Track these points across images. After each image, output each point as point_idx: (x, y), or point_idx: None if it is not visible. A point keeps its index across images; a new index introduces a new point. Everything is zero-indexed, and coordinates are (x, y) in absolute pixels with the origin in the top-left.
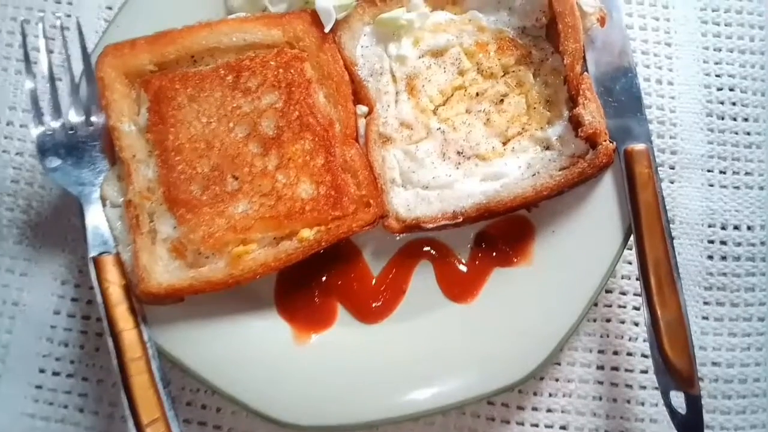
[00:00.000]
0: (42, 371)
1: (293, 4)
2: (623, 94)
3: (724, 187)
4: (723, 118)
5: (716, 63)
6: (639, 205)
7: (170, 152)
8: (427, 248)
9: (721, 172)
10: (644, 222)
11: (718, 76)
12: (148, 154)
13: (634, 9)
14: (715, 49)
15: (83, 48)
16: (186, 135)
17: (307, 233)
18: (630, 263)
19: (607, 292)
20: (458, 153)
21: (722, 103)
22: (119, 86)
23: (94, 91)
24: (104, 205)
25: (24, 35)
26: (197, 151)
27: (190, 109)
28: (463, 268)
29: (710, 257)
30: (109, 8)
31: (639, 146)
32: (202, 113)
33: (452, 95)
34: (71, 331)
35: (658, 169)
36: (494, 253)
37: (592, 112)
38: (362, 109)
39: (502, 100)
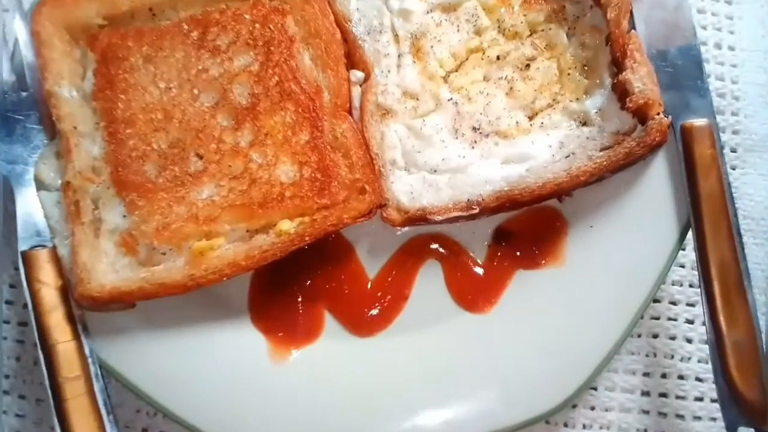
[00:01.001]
0: None
1: None
2: (680, 58)
3: None
4: None
5: None
6: (700, 195)
7: (120, 124)
8: (434, 245)
9: None
10: (706, 216)
11: None
12: (93, 127)
13: None
14: None
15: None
16: (140, 103)
17: (286, 225)
18: (682, 266)
19: (655, 301)
20: (474, 129)
21: None
22: (59, 43)
23: (29, 48)
24: (39, 189)
25: None
26: (153, 123)
27: (146, 71)
28: (478, 270)
29: None
30: None
31: (700, 122)
32: (160, 77)
33: (467, 59)
34: (6, 339)
35: None
36: (517, 252)
37: (642, 78)
38: (357, 74)
39: (528, 65)
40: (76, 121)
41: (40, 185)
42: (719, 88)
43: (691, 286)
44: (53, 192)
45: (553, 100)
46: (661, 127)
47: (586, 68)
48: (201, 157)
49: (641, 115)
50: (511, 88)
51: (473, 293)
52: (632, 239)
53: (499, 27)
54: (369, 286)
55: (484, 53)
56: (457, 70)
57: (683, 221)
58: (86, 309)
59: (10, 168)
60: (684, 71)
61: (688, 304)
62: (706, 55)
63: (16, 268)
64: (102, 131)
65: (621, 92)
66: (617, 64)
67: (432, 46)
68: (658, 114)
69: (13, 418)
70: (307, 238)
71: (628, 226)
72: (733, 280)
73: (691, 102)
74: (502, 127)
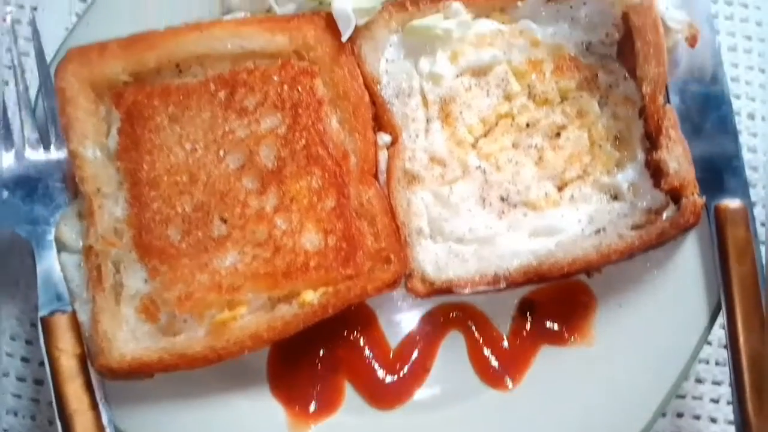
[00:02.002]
0: None
1: (303, 4)
2: (715, 134)
3: None
4: None
5: None
6: (732, 280)
7: (144, 186)
8: (458, 316)
9: None
10: (739, 303)
11: None
12: (117, 186)
13: (722, 26)
14: None
15: (39, 52)
16: (165, 164)
17: (310, 296)
18: (709, 343)
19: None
20: (502, 199)
21: None
22: (84, 101)
23: (53, 105)
24: (60, 250)
25: None
26: (178, 185)
27: (171, 131)
28: (503, 343)
29: None
30: (84, 0)
31: (734, 203)
32: (185, 137)
33: (496, 125)
34: (20, 398)
35: None
36: (543, 327)
37: (678, 158)
38: (384, 138)
39: (558, 134)
40: (100, 183)
41: (61, 247)
42: (751, 161)
43: (717, 363)
44: (74, 254)
45: (584, 171)
46: (696, 209)
47: (617, 140)
48: (225, 222)
49: (675, 194)
50: (541, 157)
51: (497, 368)
52: (662, 321)
53: (529, 93)
54: (390, 356)
55: (513, 119)
56: (485, 136)
57: (713, 304)
58: (106, 378)
59: (31, 229)
60: (719, 148)
61: (713, 383)
62: (739, 126)
63: (33, 325)
64: (125, 192)
65: (655, 170)
66: (651, 140)
67: (461, 112)
68: (693, 194)
69: None
70: (330, 310)
71: (658, 307)
72: (765, 372)
73: (726, 181)
74: (531, 197)
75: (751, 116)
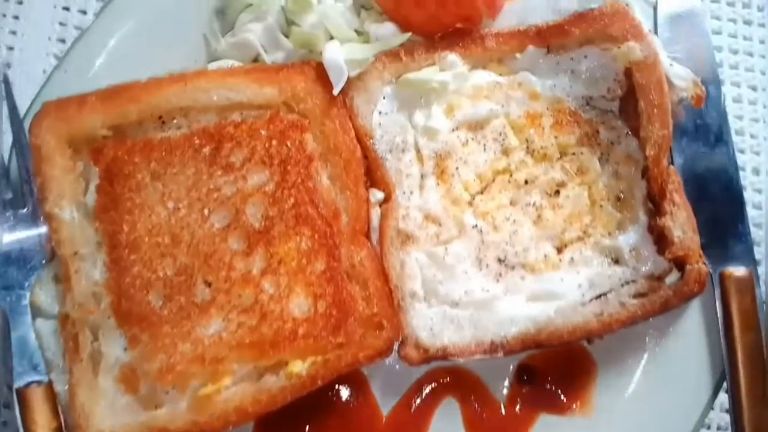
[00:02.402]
0: None
1: (293, 53)
2: (720, 198)
3: None
4: None
5: None
6: (737, 350)
7: (123, 248)
8: (452, 381)
9: None
10: (744, 375)
11: None
12: (95, 248)
13: (726, 75)
14: None
15: (12, 108)
16: (146, 225)
17: (298, 367)
18: (712, 408)
19: None
20: (499, 260)
21: None
22: (60, 158)
23: (26, 163)
24: (35, 316)
25: None
26: (159, 247)
27: (153, 189)
28: (500, 411)
29: None
30: (62, 41)
31: (740, 270)
32: (168, 195)
33: (493, 181)
34: None
35: None
36: (542, 394)
37: (682, 225)
38: (377, 195)
39: (558, 192)
40: (77, 245)
41: (37, 312)
42: (756, 218)
43: (719, 428)
44: (50, 320)
45: (584, 232)
46: (701, 278)
47: (619, 201)
48: (209, 285)
49: (679, 261)
50: (540, 216)
51: None
52: (664, 391)
53: (527, 148)
54: (383, 423)
55: (511, 175)
56: (482, 193)
57: (717, 374)
58: None
59: (5, 294)
60: (724, 212)
61: None
62: (743, 182)
63: (10, 388)
64: (104, 254)
65: (658, 235)
66: (654, 202)
67: (457, 167)
68: (698, 263)
69: None
70: (319, 381)
71: (660, 376)
72: None
73: (731, 247)
74: (530, 259)
75: (756, 171)
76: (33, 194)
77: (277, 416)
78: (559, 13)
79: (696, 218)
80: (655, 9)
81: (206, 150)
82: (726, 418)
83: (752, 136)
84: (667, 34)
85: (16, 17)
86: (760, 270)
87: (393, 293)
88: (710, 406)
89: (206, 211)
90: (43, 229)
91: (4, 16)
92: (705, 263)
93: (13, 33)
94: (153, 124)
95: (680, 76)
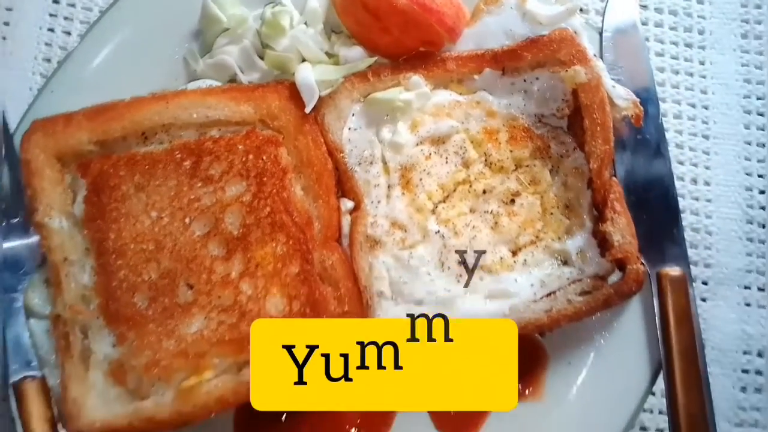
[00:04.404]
0: None
1: (268, 74)
2: (658, 206)
3: (762, 307)
4: (765, 226)
5: (759, 161)
6: (672, 343)
7: (110, 254)
8: None
9: (759, 289)
10: (678, 366)
11: (761, 176)
12: (84, 254)
13: (668, 93)
14: (758, 145)
15: (3, 125)
16: (131, 233)
17: None
18: (653, 394)
19: None
20: (459, 263)
21: (764, 208)
22: (49, 171)
23: (17, 176)
24: (29, 317)
25: None
26: (144, 252)
27: (137, 200)
28: None
29: (743, 389)
30: (48, 60)
31: (674, 271)
32: (151, 206)
33: (455, 191)
34: None
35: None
36: None
37: (622, 230)
38: (347, 204)
39: (513, 200)
40: (67, 252)
41: (30, 313)
42: (693, 223)
43: (660, 413)
44: (42, 320)
45: (536, 237)
46: (638, 278)
47: (567, 208)
48: (191, 287)
49: (619, 263)
50: (496, 222)
51: (453, 422)
52: (608, 378)
53: (486, 160)
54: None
55: (471, 186)
56: (444, 202)
57: (655, 364)
58: None
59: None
60: (661, 219)
61: (657, 430)
62: (682, 190)
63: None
64: (92, 260)
65: (601, 240)
66: (598, 210)
67: (421, 179)
68: (636, 264)
69: None
70: None
71: (604, 365)
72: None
73: (667, 250)
74: (487, 262)
75: (694, 181)
76: (24, 205)
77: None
78: (513, 38)
79: (636, 224)
80: (600, 35)
81: (187, 163)
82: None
83: (691, 149)
84: (611, 58)
85: (3, 38)
86: (699, 270)
87: (362, 293)
88: (649, 391)
89: (187, 220)
90: (34, 238)
91: None
92: (643, 264)
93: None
94: (136, 139)
95: (621, 96)
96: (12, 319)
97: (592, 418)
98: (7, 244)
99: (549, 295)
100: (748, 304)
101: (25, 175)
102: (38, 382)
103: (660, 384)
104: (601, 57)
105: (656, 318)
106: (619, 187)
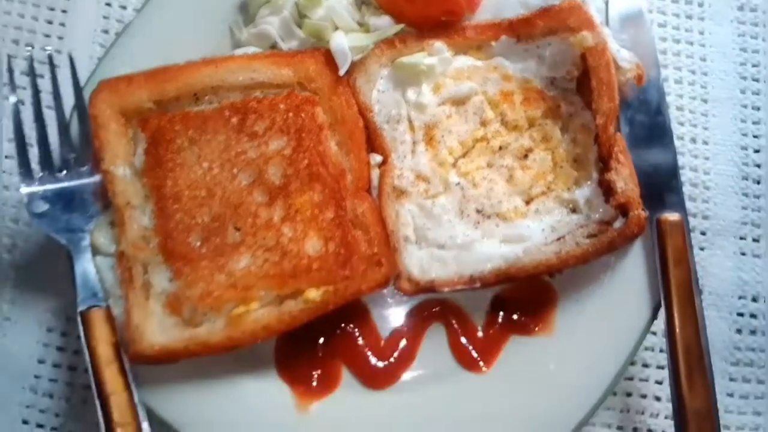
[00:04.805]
0: (25, 422)
1: (305, 41)
2: (658, 159)
3: (757, 256)
4: (759, 183)
5: (755, 123)
6: (670, 282)
7: (168, 199)
8: (439, 310)
9: (754, 240)
10: (675, 302)
11: (756, 136)
12: (143, 199)
13: (670, 61)
14: (753, 108)
15: (76, 84)
16: (185, 181)
17: (313, 294)
18: (654, 333)
19: (629, 364)
20: (478, 211)
21: (759, 166)
22: (114, 125)
23: (86, 129)
24: (95, 254)
25: (10, 66)
26: (197, 198)
27: (191, 152)
28: (478, 334)
29: (739, 331)
30: (106, 32)
31: (673, 216)
32: (203, 157)
33: (473, 147)
34: (56, 382)
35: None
36: (512, 319)
37: (624, 179)
38: (376, 158)
39: (526, 155)
40: (129, 197)
41: (96, 251)
42: (692, 179)
43: (661, 351)
44: (108, 258)
45: (547, 188)
46: (640, 221)
47: (576, 162)
48: (239, 230)
49: (623, 208)
50: (511, 175)
51: (472, 355)
52: (612, 314)
53: (502, 120)
54: (381, 344)
55: (488, 143)
56: (464, 157)
57: (655, 301)
58: (136, 364)
59: (69, 236)
60: (661, 170)
61: (658, 367)
62: (682, 149)
63: (68, 319)
64: (151, 204)
65: (606, 188)
66: (604, 162)
67: (443, 136)
68: (638, 210)
69: None
70: (330, 306)
71: (609, 302)
72: (696, 359)
73: (666, 198)
74: (503, 210)
75: (693, 140)
76: (91, 155)
77: (295, 341)
78: (528, 8)
79: (638, 175)
80: (606, 5)
81: (234, 121)
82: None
83: (691, 112)
84: (617, 26)
85: (65, 11)
86: (697, 221)
87: (390, 237)
88: (650, 325)
89: (235, 170)
90: (100, 183)
91: (53, 9)
92: (644, 210)
93: (62, 25)
94: (189, 100)
95: (625, 59)
96: (80, 255)
97: (598, 350)
98: (76, 190)
99: (559, 239)
100: (743, 254)
101: (93, 129)
102: (103, 311)
103: (661, 325)
104: (607, 24)
105: (656, 259)
106: (623, 141)
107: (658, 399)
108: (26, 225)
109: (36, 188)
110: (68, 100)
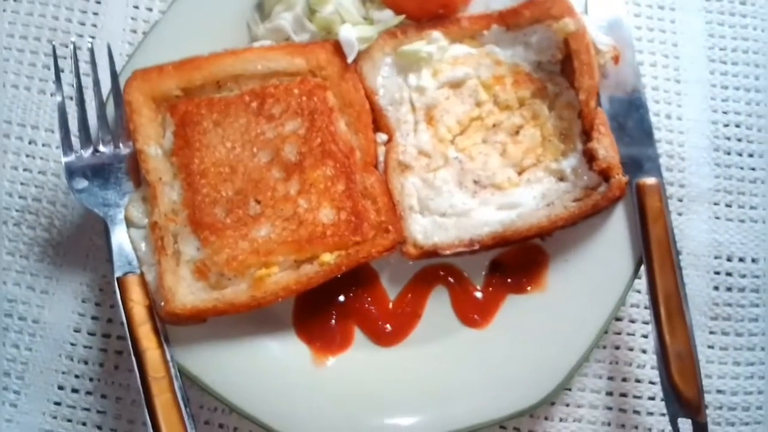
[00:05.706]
0: (61, 388)
1: (316, 34)
2: (635, 130)
3: (730, 220)
4: (729, 153)
5: (723, 100)
6: (650, 238)
7: (195, 175)
8: (442, 274)
9: (727, 205)
10: (655, 255)
11: (725, 112)
12: (173, 177)
13: (645, 47)
14: (722, 87)
15: (113, 72)
16: (211, 159)
17: (327, 257)
18: (639, 291)
19: (617, 320)
20: (475, 182)
21: (729, 138)
22: (146, 110)
23: (121, 114)
24: (129, 227)
25: (55, 57)
26: (221, 174)
27: (215, 133)
28: (477, 294)
29: (716, 288)
30: (134, 32)
31: (650, 180)
32: (226, 138)
33: (469, 126)
34: (91, 348)
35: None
36: (508, 280)
37: (605, 147)
38: (382, 137)
39: (517, 132)
40: (160, 173)
41: (130, 224)
42: (668, 151)
43: (645, 308)
44: (140, 229)
45: (537, 160)
46: (620, 185)
47: (563, 135)
48: (259, 203)
49: (605, 174)
50: (504, 149)
51: (473, 313)
52: (598, 271)
53: (494, 101)
54: (390, 306)
55: (483, 121)
56: (461, 134)
57: (637, 258)
58: (168, 323)
59: (106, 210)
60: (638, 140)
61: (643, 322)
62: (659, 124)
63: (101, 290)
64: (180, 181)
65: (589, 157)
66: (587, 134)
67: (442, 116)
68: (618, 174)
69: (95, 414)
70: (343, 268)
71: (595, 260)
72: (675, 305)
73: (644, 164)
74: (497, 180)
75: (668, 116)
76: (125, 137)
77: (311, 302)
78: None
79: (618, 147)
80: None
81: (253, 105)
82: None
83: (665, 91)
84: (595, 13)
85: (96, 13)
86: (674, 189)
87: (396, 207)
88: (633, 277)
89: (255, 150)
90: (132, 163)
91: (85, 12)
92: (624, 175)
93: (94, 26)
94: (212, 87)
95: (603, 42)
96: (116, 227)
97: (587, 303)
98: (112, 168)
99: (548, 205)
100: (717, 218)
101: (128, 113)
102: (138, 277)
103: (644, 284)
104: (586, 12)
105: (636, 219)
106: (604, 115)
107: (644, 351)
108: (63, 207)
109: (76, 161)
110: (104, 88)
